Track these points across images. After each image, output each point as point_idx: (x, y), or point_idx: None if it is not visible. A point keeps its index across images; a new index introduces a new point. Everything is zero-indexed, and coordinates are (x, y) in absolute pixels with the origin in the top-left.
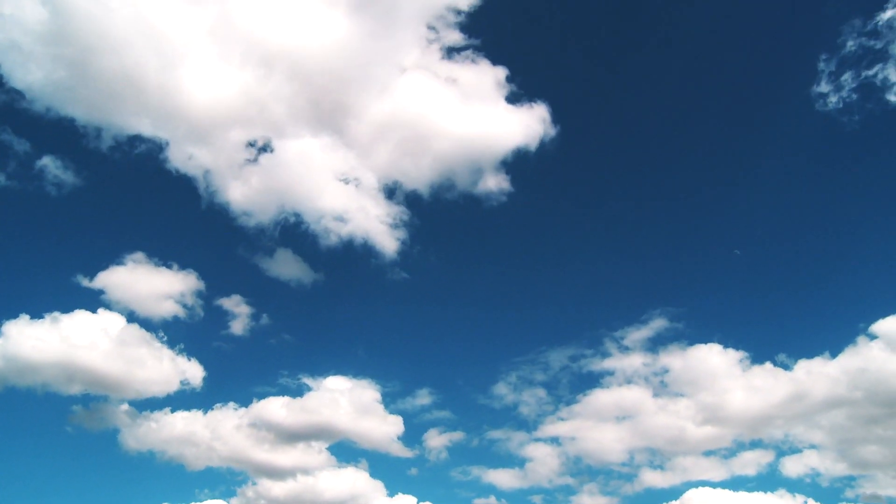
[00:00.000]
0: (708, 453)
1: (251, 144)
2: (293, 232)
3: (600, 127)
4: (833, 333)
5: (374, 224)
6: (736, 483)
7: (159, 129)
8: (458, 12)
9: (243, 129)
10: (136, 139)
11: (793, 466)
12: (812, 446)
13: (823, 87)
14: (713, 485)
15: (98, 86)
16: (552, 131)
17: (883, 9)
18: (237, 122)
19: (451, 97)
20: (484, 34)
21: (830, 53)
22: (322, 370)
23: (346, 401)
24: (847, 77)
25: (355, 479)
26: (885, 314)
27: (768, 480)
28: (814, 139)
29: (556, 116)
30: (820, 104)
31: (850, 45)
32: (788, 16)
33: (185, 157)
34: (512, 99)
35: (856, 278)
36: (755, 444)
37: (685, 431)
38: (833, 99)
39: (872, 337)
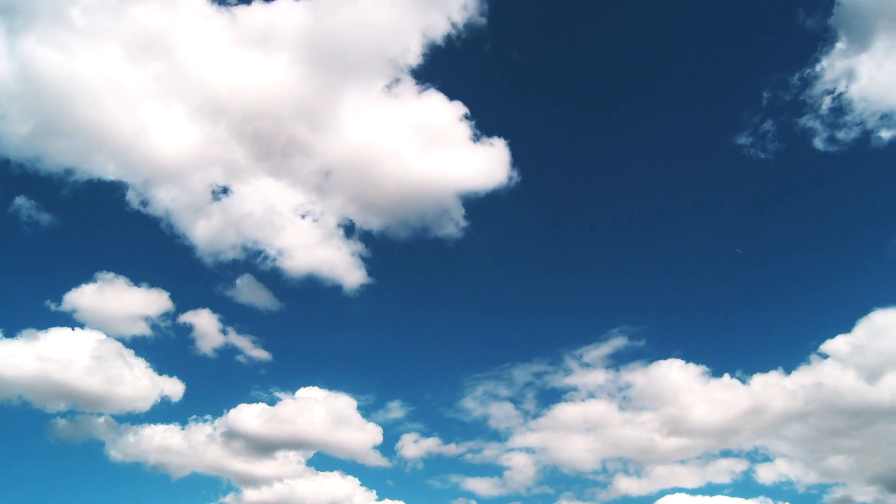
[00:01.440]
0: (681, 462)
1: (212, 186)
2: (257, 267)
3: (555, 160)
4: (787, 352)
5: (334, 258)
6: (711, 490)
7: (125, 173)
8: (415, 51)
9: (204, 171)
10: (103, 183)
11: (765, 474)
12: (782, 456)
13: (745, 138)
14: (689, 492)
15: (67, 134)
16: (509, 165)
17: (800, 66)
18: (198, 165)
19: (407, 136)
20: (440, 74)
21: (754, 108)
22: (296, 384)
23: (323, 412)
24: (771, 126)
25: (339, 486)
26: (832, 335)
27: (742, 488)
28: (756, 180)
29: (513, 151)
30: (752, 152)
31: (770, 97)
32: (716, 71)
33: (149, 198)
34: (470, 137)
35: (804, 301)
36: (726, 454)
37: (654, 442)
38: (763, 147)
39: (824, 356)
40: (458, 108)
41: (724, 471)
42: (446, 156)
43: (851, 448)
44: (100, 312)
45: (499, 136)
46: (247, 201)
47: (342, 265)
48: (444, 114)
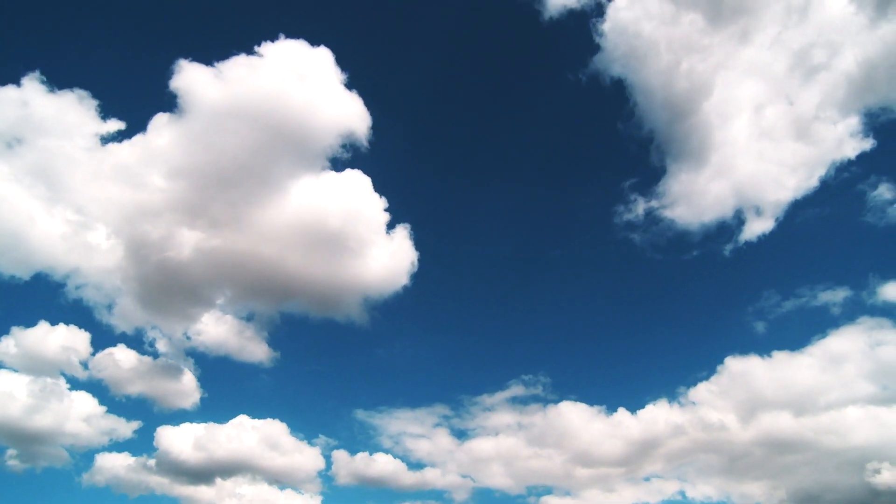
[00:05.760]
0: (604, 486)
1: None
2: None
3: (449, 244)
4: (666, 392)
5: (243, 343)
6: None
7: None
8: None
9: (106, 272)
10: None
11: (693, 496)
12: (703, 482)
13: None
14: None
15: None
16: (411, 247)
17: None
18: (102, 268)
19: (299, 233)
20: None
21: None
22: (232, 414)
23: (263, 441)
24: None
25: None
26: (693, 383)
27: None
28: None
29: (414, 234)
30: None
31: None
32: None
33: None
34: (369, 231)
35: (672, 353)
36: (647, 479)
37: (573, 470)
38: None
39: (693, 402)
40: (356, 204)
41: (655, 491)
42: (344, 250)
43: (760, 475)
44: (33, 356)
45: (401, 224)
46: (153, 296)
47: (251, 348)
48: (338, 210)
